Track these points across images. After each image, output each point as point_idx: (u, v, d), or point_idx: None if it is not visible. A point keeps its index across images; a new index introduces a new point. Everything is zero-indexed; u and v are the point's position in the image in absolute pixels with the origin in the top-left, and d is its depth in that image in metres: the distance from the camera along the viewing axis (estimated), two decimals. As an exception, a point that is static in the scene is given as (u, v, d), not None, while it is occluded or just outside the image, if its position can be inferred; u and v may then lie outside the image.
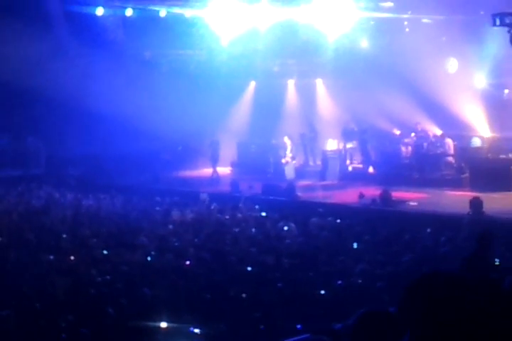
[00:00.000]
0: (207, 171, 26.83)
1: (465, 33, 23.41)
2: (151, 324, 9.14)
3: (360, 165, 25.56)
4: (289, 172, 25.10)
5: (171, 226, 16.35)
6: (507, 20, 18.77)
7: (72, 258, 12.95)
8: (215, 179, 25.37)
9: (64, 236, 15.02)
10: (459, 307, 2.49)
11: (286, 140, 25.79)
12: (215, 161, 26.24)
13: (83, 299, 10.23)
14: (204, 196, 20.49)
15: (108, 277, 11.41)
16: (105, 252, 13.42)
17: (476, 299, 2.58)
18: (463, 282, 2.57)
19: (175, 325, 9.15)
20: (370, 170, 24.97)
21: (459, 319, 2.50)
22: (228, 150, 27.00)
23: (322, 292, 10.43)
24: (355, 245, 13.82)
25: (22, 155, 26.71)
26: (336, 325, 8.40)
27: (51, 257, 13.00)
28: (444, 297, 2.54)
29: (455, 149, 23.87)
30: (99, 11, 25.07)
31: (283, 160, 25.59)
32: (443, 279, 2.58)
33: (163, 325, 9.11)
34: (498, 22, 18.85)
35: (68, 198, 20.80)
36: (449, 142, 23.89)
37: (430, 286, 2.57)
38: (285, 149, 25.71)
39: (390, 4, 24.43)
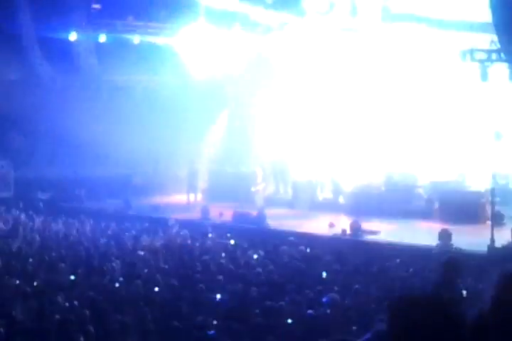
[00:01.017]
0: (178, 197, 26.77)
1: (434, 67, 23.73)
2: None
3: (331, 195, 25.62)
4: (259, 201, 25.09)
5: (140, 253, 16.24)
6: (477, 57, 19.05)
7: (38, 282, 12.78)
8: (191, 205, 25.32)
9: (31, 260, 14.85)
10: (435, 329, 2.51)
11: (258, 168, 25.81)
12: (194, 189, 26.21)
13: (49, 325, 10.09)
14: (173, 222, 20.41)
15: (75, 303, 11.27)
16: (73, 277, 13.28)
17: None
18: (439, 305, 2.59)
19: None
20: (341, 200, 25.04)
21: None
22: (200, 177, 26.98)
23: (289, 321, 10.39)
24: (324, 274, 13.81)
25: (-9, 178, 26.47)
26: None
27: (17, 281, 12.83)
28: (422, 319, 2.55)
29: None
30: (73, 37, 25.07)
31: (252, 189, 25.59)
32: (421, 302, 2.60)
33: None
34: (468, 58, 19.14)
35: (36, 222, 20.60)
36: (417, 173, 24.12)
37: (407, 310, 2.58)
38: (256, 177, 25.73)
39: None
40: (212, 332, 9.36)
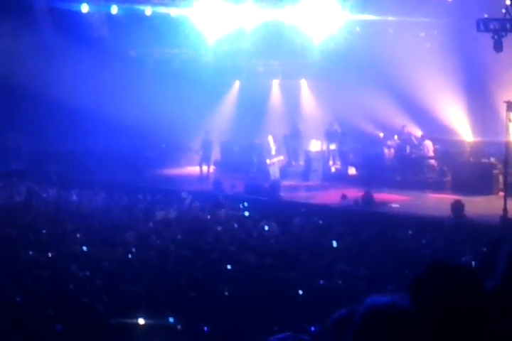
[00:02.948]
0: (190, 169, 26.84)
1: (449, 38, 23.50)
2: (131, 320, 9.11)
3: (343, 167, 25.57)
4: (274, 173, 25.11)
5: (152, 224, 16.31)
6: (491, 26, 18.88)
7: (52, 253, 12.87)
8: (204, 177, 25.40)
9: (44, 231, 14.94)
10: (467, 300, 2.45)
11: (270, 140, 25.76)
12: (207, 160, 26.22)
13: (63, 295, 10.18)
14: (186, 194, 20.46)
15: (88, 273, 11.35)
16: (86, 248, 13.36)
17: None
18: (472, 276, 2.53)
19: (154, 322, 9.13)
20: (352, 171, 25.02)
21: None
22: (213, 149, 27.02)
23: (300, 292, 10.43)
24: (334, 244, 13.84)
25: (4, 150, 26.55)
26: (316, 324, 8.40)
27: (31, 253, 12.92)
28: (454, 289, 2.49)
29: (435, 151, 24.00)
30: (84, 8, 24.92)
31: (268, 161, 25.57)
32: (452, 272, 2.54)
33: (142, 321, 9.09)
34: (482, 27, 18.97)
35: (50, 194, 20.71)
36: (428, 144, 24.04)
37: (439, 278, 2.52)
38: (269, 149, 25.71)
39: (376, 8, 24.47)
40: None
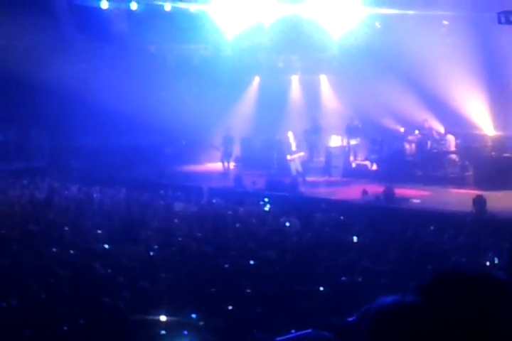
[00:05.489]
0: (210, 166, 26.85)
1: (470, 31, 23.36)
2: (152, 317, 9.14)
3: (367, 162, 25.44)
4: (296, 168, 25.07)
5: (173, 221, 16.34)
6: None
7: (74, 251, 12.93)
8: (225, 174, 25.44)
9: (66, 229, 15.01)
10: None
11: (290, 136, 25.77)
12: (228, 156, 26.27)
13: (85, 292, 10.23)
14: (207, 191, 20.49)
15: (110, 270, 11.39)
16: (107, 246, 13.41)
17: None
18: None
19: (175, 319, 9.15)
20: (374, 167, 24.92)
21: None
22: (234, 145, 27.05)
23: (321, 288, 10.42)
24: (354, 239, 13.81)
25: (26, 147, 26.74)
26: (338, 320, 8.38)
27: (54, 250, 12.98)
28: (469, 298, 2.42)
29: (456, 146, 23.87)
30: (104, 5, 25.04)
31: (288, 157, 25.54)
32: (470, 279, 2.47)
33: (163, 318, 9.11)
34: (503, 19, 18.89)
35: (71, 191, 20.81)
36: (450, 139, 23.91)
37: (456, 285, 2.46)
38: (289, 145, 25.68)
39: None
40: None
